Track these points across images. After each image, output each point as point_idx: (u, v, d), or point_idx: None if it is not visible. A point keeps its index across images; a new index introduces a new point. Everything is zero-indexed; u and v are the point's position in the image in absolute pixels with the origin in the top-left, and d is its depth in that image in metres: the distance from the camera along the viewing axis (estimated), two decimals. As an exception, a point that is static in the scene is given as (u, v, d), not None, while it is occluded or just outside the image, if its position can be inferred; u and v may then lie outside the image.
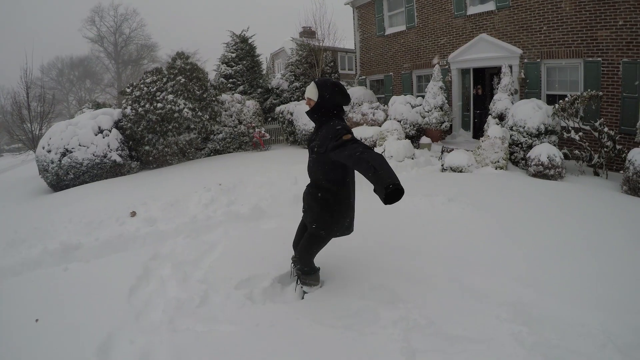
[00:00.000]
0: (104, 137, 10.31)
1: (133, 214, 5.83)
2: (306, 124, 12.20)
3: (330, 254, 3.89)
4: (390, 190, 2.30)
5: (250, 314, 3.09)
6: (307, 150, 3.28)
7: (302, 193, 3.37)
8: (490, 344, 2.66)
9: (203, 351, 2.69)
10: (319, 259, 3.68)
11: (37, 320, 3.16)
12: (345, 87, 3.22)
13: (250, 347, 2.70)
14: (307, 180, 3.34)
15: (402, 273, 3.63)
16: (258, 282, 3.57)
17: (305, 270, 3.35)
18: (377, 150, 9.69)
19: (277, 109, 14.08)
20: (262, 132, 12.78)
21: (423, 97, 12.07)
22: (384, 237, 4.46)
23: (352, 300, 3.19)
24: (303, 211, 3.38)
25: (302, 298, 3.37)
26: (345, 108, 13.12)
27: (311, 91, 3.11)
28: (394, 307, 3.10)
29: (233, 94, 13.50)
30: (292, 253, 3.54)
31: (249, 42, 16.75)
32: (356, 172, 2.77)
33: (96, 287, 3.68)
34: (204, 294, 3.42)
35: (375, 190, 2.39)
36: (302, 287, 3.41)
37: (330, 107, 3.08)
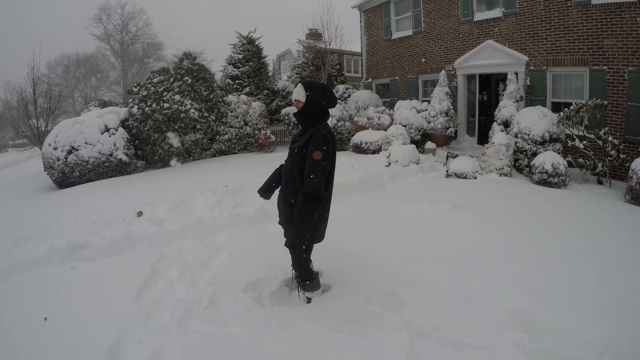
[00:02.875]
0: (110, 136, 10.39)
1: (140, 213, 5.84)
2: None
3: (336, 260, 3.95)
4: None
5: (259, 317, 3.13)
6: None
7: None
8: (492, 350, 2.70)
9: (213, 353, 2.73)
10: (323, 265, 3.73)
11: (45, 318, 3.18)
12: (330, 89, 3.20)
13: (259, 350, 2.75)
14: None
15: (406, 279, 3.67)
16: (266, 285, 3.61)
17: (304, 278, 3.37)
18: (382, 154, 9.71)
19: (283, 111, 14.10)
20: (268, 133, 12.83)
21: (428, 102, 12.07)
22: (388, 244, 4.51)
23: (358, 306, 3.23)
24: (279, 216, 3.38)
25: (308, 302, 3.41)
26: (351, 111, 13.14)
27: (298, 92, 3.08)
28: (399, 312, 3.14)
29: (239, 95, 13.55)
30: None
31: (256, 43, 16.76)
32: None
33: (104, 287, 3.71)
34: (212, 296, 3.45)
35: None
36: (304, 294, 3.43)
37: (317, 109, 3.07)
